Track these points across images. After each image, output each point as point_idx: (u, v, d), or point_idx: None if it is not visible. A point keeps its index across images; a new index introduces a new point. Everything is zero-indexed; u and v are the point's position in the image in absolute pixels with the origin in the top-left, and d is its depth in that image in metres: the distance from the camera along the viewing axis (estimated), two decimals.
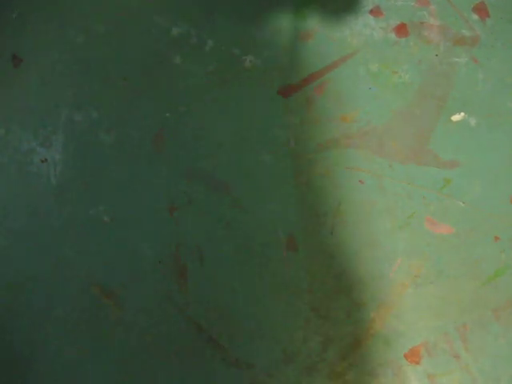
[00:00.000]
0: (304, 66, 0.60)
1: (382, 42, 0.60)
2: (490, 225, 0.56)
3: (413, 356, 0.54)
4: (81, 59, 0.62)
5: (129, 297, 0.57)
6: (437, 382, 0.54)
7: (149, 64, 0.61)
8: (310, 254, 0.56)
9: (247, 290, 0.56)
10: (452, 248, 0.56)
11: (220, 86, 0.60)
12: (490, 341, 0.54)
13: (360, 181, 0.57)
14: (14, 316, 0.57)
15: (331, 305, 0.56)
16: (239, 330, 0.56)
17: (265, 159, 0.59)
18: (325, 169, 0.58)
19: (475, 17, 0.60)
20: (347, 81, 0.60)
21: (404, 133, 0.58)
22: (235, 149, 0.59)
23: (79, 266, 0.58)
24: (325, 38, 0.61)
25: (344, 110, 0.59)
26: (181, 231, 0.58)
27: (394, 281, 0.55)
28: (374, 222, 0.57)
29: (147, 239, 0.58)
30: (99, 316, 0.57)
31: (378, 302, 0.55)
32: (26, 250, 0.58)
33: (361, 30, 0.61)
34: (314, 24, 0.61)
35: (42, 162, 0.60)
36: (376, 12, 0.61)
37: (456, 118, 0.58)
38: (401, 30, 0.60)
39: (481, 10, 0.60)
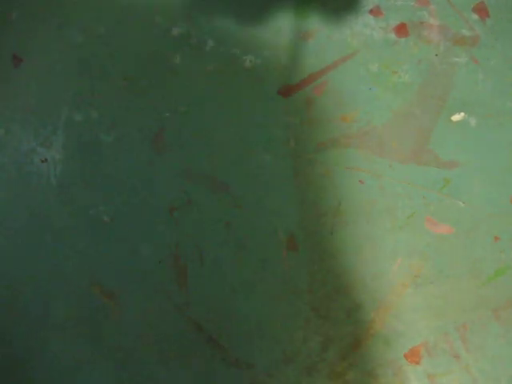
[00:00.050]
0: (304, 66, 0.60)
1: (382, 41, 0.60)
2: (490, 225, 0.56)
3: (413, 356, 0.54)
4: (81, 59, 0.62)
5: (129, 297, 0.57)
6: (437, 381, 0.54)
7: (149, 64, 0.61)
8: (310, 254, 0.56)
9: (247, 290, 0.56)
10: (452, 248, 0.56)
11: (220, 85, 0.60)
12: (490, 341, 0.54)
13: (360, 181, 0.57)
14: (14, 316, 0.57)
15: (331, 305, 0.56)
16: (239, 330, 0.56)
17: (265, 159, 0.59)
18: (325, 169, 0.58)
19: (475, 17, 0.60)
20: (347, 81, 0.60)
21: (404, 133, 0.58)
22: (235, 149, 0.59)
23: (79, 265, 0.58)
24: (325, 37, 0.61)
25: (344, 110, 0.59)
26: (181, 231, 0.58)
27: (394, 281, 0.55)
28: (374, 222, 0.57)
29: (147, 239, 0.58)
30: (99, 316, 0.57)
31: (377, 301, 0.55)
32: (26, 250, 0.58)
33: (361, 30, 0.61)
34: (314, 24, 0.61)
35: (42, 161, 0.60)
36: (376, 12, 0.61)
37: (456, 117, 0.58)
38: (401, 29, 0.60)
39: (481, 10, 0.60)
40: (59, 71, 0.62)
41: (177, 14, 0.62)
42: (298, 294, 0.56)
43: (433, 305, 0.55)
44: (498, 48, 0.59)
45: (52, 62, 0.62)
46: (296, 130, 0.59)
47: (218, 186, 0.58)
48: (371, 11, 0.61)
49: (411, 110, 0.59)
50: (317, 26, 0.61)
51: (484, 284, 0.55)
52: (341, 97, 0.59)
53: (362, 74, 0.60)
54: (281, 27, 0.61)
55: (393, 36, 0.60)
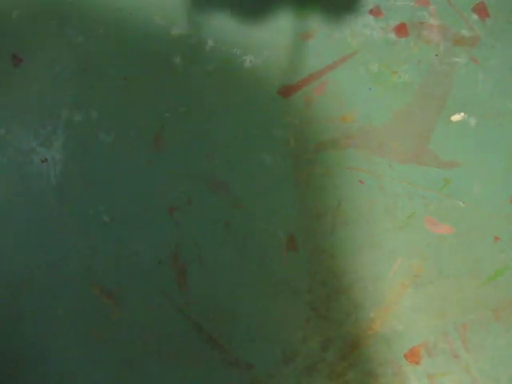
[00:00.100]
0: (304, 66, 0.60)
1: (382, 42, 0.60)
2: (490, 225, 0.56)
3: (413, 356, 0.54)
4: (81, 59, 0.62)
5: (129, 297, 0.57)
6: (437, 382, 0.54)
7: (149, 64, 0.61)
8: (309, 254, 0.56)
9: (247, 290, 0.56)
10: (452, 248, 0.56)
11: (220, 85, 0.60)
12: (490, 341, 0.54)
13: (360, 181, 0.57)
14: (14, 316, 0.57)
15: (331, 305, 0.56)
16: (239, 330, 0.56)
17: (265, 159, 0.59)
18: (325, 169, 0.58)
19: (475, 17, 0.60)
20: (347, 81, 0.60)
21: (404, 133, 0.58)
22: (235, 149, 0.59)
23: (79, 265, 0.58)
24: (325, 38, 0.61)
25: (344, 110, 0.59)
26: (181, 231, 0.58)
27: (394, 281, 0.55)
28: (373, 222, 0.57)
29: (147, 239, 0.58)
30: (99, 316, 0.57)
31: (378, 301, 0.55)
32: (26, 250, 0.58)
33: (361, 30, 0.61)
34: (314, 24, 0.61)
35: (42, 161, 0.60)
36: (376, 12, 0.61)
37: (456, 118, 0.58)
38: (401, 30, 0.60)
39: (481, 10, 0.60)
40: (59, 71, 0.62)
41: (177, 14, 0.62)
42: (297, 293, 0.56)
43: (433, 305, 0.55)
44: (497, 48, 0.59)
45: (52, 62, 0.62)
46: (296, 130, 0.59)
47: (218, 185, 0.58)
48: (371, 11, 0.61)
49: (411, 110, 0.59)
50: (317, 25, 0.61)
51: (484, 284, 0.55)
52: (341, 97, 0.59)
53: (362, 74, 0.60)
54: (281, 27, 0.61)
55: (393, 36, 0.60)
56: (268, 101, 0.60)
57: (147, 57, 0.61)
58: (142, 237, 0.58)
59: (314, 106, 0.59)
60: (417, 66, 0.60)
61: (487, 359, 0.54)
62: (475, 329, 0.54)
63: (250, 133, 0.59)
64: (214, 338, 0.56)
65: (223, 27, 0.61)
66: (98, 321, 0.57)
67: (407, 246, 0.56)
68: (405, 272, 0.56)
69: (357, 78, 0.60)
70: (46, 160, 0.60)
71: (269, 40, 0.61)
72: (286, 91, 0.60)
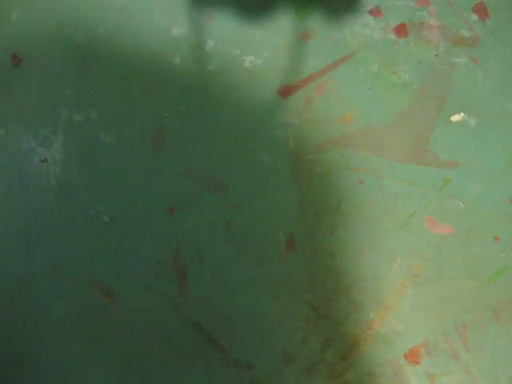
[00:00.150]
0: (304, 65, 0.60)
1: (382, 42, 0.60)
2: (490, 225, 0.56)
3: (413, 356, 0.54)
4: (81, 59, 0.62)
5: (129, 297, 0.57)
6: (437, 382, 0.54)
7: (149, 64, 0.61)
8: (310, 254, 0.56)
9: (247, 290, 0.56)
10: (452, 248, 0.56)
11: (220, 85, 0.60)
12: (490, 341, 0.54)
13: (360, 181, 0.57)
14: (14, 316, 0.57)
15: (331, 305, 0.56)
16: (239, 330, 0.56)
17: (265, 159, 0.59)
18: (325, 169, 0.58)
19: (475, 17, 0.60)
20: (347, 81, 0.60)
21: (404, 133, 0.58)
22: (235, 149, 0.59)
23: (79, 265, 0.58)
24: (325, 38, 0.61)
25: (344, 110, 0.59)
26: (181, 231, 0.58)
27: (394, 281, 0.55)
28: (373, 222, 0.57)
29: (147, 239, 0.58)
30: (99, 316, 0.57)
31: (377, 302, 0.55)
32: (25, 250, 0.58)
33: (360, 30, 0.61)
34: (313, 24, 0.61)
35: (42, 161, 0.60)
36: (376, 12, 0.61)
37: (456, 118, 0.58)
38: (400, 30, 0.60)
39: (480, 11, 0.60)
40: (59, 71, 0.62)
41: (177, 14, 0.62)
42: (297, 293, 0.56)
43: (433, 305, 0.55)
44: (497, 48, 0.59)
45: (52, 62, 0.62)
46: (296, 130, 0.59)
47: (218, 185, 0.58)
48: (371, 11, 0.61)
49: (411, 110, 0.59)
50: (317, 26, 0.61)
51: (484, 284, 0.55)
52: (341, 97, 0.59)
53: (362, 74, 0.60)
54: (281, 27, 0.61)
55: (393, 36, 0.60)
56: (268, 101, 0.60)
57: (147, 57, 0.61)
58: (142, 237, 0.58)
59: (313, 106, 0.59)
60: (417, 66, 0.60)
61: (487, 359, 0.54)
62: (475, 329, 0.54)
63: (250, 133, 0.59)
64: (213, 338, 0.56)
65: (223, 27, 0.62)
66: (98, 321, 0.57)
67: (407, 246, 0.56)
68: (405, 272, 0.56)
69: (357, 78, 0.60)
70: (45, 160, 0.60)
71: (269, 40, 0.61)
72: (286, 91, 0.60)
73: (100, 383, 0.56)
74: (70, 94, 0.61)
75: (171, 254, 0.57)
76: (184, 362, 0.55)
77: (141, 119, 0.60)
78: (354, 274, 0.56)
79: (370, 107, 0.59)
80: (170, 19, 0.62)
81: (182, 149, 0.59)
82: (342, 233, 0.57)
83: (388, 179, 0.57)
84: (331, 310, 0.55)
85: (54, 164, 0.60)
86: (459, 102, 0.58)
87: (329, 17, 0.61)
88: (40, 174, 0.60)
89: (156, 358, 0.56)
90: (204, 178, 0.59)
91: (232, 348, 0.55)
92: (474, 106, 0.58)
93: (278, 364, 0.55)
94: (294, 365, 0.55)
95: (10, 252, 0.58)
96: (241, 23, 0.61)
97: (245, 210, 0.58)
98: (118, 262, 0.57)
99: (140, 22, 0.62)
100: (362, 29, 0.61)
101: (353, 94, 0.59)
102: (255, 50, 0.61)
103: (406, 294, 0.55)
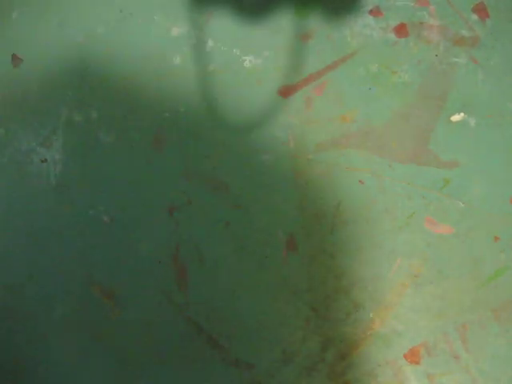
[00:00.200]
0: (304, 65, 0.60)
1: (382, 42, 0.60)
2: (490, 225, 0.56)
3: (412, 356, 0.54)
4: (81, 59, 0.62)
5: (129, 297, 0.57)
6: (436, 382, 0.54)
7: (149, 64, 0.61)
8: (310, 254, 0.56)
9: (247, 290, 0.56)
10: (452, 248, 0.56)
11: (220, 86, 0.60)
12: (490, 341, 0.54)
13: (360, 181, 0.57)
14: (14, 316, 0.57)
15: (331, 305, 0.56)
16: (239, 330, 0.56)
17: (265, 159, 0.59)
18: (325, 169, 0.58)
19: (475, 17, 0.60)
20: (347, 81, 0.60)
21: (404, 133, 0.58)
22: (235, 149, 0.59)
23: (79, 265, 0.58)
24: (324, 38, 0.61)
25: (344, 110, 0.59)
26: (181, 231, 0.58)
27: (394, 281, 0.55)
28: (373, 222, 0.57)
29: (147, 239, 0.58)
30: (99, 316, 0.57)
31: (377, 302, 0.55)
32: (25, 250, 0.58)
33: (360, 30, 0.61)
34: (313, 24, 0.61)
35: (42, 161, 0.60)
36: (375, 12, 0.61)
37: (456, 118, 0.58)
38: (400, 30, 0.60)
39: (480, 11, 0.60)
40: (59, 71, 0.62)
41: (177, 13, 0.62)
42: (298, 293, 0.56)
43: (432, 305, 0.55)
44: (497, 48, 0.59)
45: (52, 62, 0.62)
46: (296, 130, 0.59)
47: (218, 185, 0.58)
48: (371, 11, 0.61)
49: (411, 110, 0.59)
50: (317, 25, 0.61)
51: (484, 284, 0.55)
52: (341, 97, 0.59)
53: (362, 74, 0.60)
54: (281, 27, 0.61)
55: (393, 36, 0.60)
56: (268, 101, 0.60)
57: (147, 57, 0.61)
58: (142, 237, 0.58)
59: (313, 106, 0.59)
60: (417, 66, 0.60)
61: (487, 359, 0.54)
62: (475, 329, 0.54)
63: (249, 133, 0.59)
64: (214, 338, 0.56)
65: (223, 27, 0.62)
66: (98, 321, 0.57)
67: (407, 246, 0.56)
68: (405, 272, 0.56)
69: (357, 78, 0.60)
70: (45, 160, 0.60)
71: (269, 40, 0.61)
72: (286, 91, 0.60)
73: (100, 383, 0.56)
74: (70, 94, 0.61)
75: (171, 254, 0.57)
76: (184, 361, 0.55)
77: (141, 119, 0.60)
78: (354, 273, 0.56)
79: (370, 107, 0.59)
80: (170, 19, 0.62)
81: (182, 149, 0.59)
82: (342, 233, 0.57)
83: (388, 179, 0.57)
84: (331, 309, 0.56)
85: (53, 164, 0.60)
86: (459, 102, 0.58)
87: (329, 17, 0.61)
88: (40, 174, 0.60)
89: (156, 358, 0.56)
90: (204, 178, 0.59)
91: (232, 348, 0.55)
92: (474, 106, 0.58)
93: (278, 364, 0.55)
94: (294, 365, 0.55)
95: (10, 252, 0.58)
96: (241, 23, 0.61)
97: (245, 210, 0.58)
98: (118, 262, 0.57)
99: (140, 22, 0.62)
100: (361, 29, 0.61)
101: (353, 94, 0.59)
102: (255, 50, 0.61)
103: (406, 293, 0.55)
